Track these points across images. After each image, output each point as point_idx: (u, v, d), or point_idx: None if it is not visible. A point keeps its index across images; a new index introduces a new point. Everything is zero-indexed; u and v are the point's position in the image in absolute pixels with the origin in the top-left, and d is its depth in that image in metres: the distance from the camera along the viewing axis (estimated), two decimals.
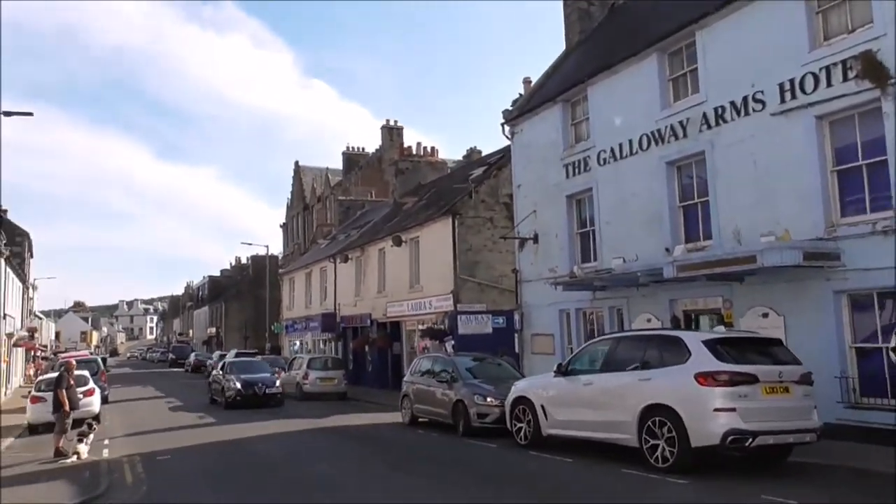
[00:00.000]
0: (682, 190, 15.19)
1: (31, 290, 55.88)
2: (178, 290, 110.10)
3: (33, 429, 19.47)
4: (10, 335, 31.12)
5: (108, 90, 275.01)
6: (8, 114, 18.79)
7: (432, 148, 38.33)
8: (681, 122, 14.80)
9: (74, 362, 16.98)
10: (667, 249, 14.71)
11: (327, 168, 53.65)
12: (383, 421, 18.25)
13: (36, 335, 54.37)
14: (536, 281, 19.34)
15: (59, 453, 13.23)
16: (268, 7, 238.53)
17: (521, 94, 26.86)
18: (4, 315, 30.17)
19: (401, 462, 11.98)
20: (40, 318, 68.87)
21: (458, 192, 25.94)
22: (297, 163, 58.76)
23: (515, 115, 20.51)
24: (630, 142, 16.15)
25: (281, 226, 62.16)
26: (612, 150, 16.71)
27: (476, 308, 24.18)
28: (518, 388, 12.84)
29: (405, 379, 17.65)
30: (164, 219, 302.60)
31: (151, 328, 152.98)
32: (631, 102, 16.18)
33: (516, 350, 19.95)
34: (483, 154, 34.11)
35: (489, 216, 25.03)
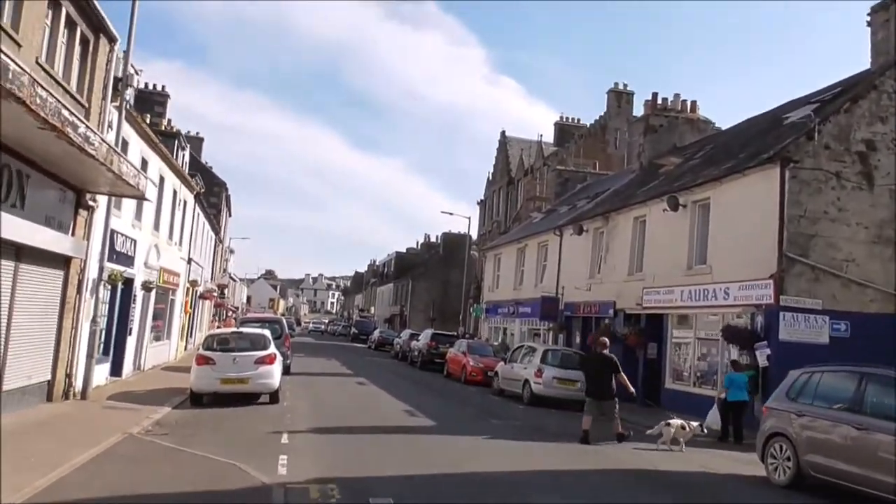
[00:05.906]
0: None
1: (225, 250, 54.86)
2: (361, 269, 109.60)
3: (196, 398, 14.48)
4: (193, 282, 27.48)
5: (311, 81, 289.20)
6: None
7: (692, 103, 30.07)
8: None
9: None
10: None
11: (541, 137, 47.10)
12: (713, 469, 10.97)
13: (227, 293, 53.30)
14: None
15: (623, 437, 12.97)
16: (465, 5, 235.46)
17: None
18: (190, 259, 26.55)
19: None
20: (234, 280, 69.12)
21: (783, 136, 17.81)
22: (503, 133, 52.62)
23: None
24: None
25: (478, 203, 56.49)
26: None
27: (808, 304, 16.05)
28: None
29: (772, 406, 10.13)
30: (351, 204, 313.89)
31: (332, 303, 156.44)
32: None
33: None
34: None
35: (835, 170, 16.69)
